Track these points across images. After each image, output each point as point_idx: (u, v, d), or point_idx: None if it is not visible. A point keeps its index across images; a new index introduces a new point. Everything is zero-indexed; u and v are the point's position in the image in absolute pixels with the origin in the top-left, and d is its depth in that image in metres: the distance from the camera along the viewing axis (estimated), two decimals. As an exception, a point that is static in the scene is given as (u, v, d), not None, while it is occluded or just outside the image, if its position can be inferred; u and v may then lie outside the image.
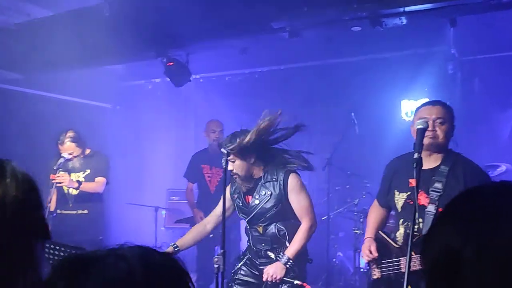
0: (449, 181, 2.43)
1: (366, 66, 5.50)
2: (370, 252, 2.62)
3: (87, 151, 4.33)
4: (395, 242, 2.62)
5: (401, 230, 2.61)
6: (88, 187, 4.21)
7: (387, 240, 2.63)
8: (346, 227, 5.22)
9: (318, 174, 5.32)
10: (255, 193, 2.89)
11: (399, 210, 2.62)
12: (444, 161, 2.49)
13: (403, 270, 2.47)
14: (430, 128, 2.37)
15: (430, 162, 2.47)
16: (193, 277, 4.55)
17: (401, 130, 5.05)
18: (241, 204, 2.97)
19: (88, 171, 4.26)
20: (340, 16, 3.63)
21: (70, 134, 4.18)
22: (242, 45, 4.31)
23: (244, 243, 4.48)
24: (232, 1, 3.77)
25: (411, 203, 2.48)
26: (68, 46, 4.48)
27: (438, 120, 2.45)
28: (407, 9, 3.51)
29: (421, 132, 2.11)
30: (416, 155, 2.03)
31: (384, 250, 2.62)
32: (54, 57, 4.71)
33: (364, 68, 5.49)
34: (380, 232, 2.72)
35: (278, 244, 2.86)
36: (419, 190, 2.30)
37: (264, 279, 2.81)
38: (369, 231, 2.78)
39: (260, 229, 2.88)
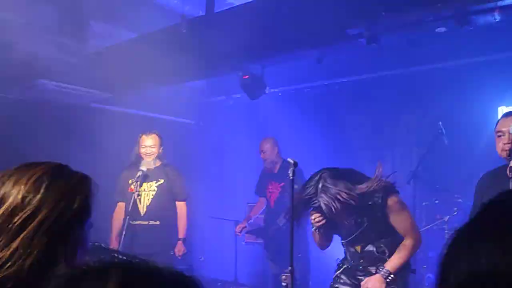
0: None
1: (456, 71, 5.07)
2: None
3: (162, 161, 4.38)
4: None
5: None
6: (183, 228, 4.34)
7: None
8: (436, 246, 4.79)
9: (402, 188, 4.98)
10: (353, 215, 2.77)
11: None
12: None
13: None
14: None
15: None
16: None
17: (498, 139, 4.56)
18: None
19: (162, 180, 4.26)
20: (422, 17, 3.37)
21: (155, 131, 4.33)
22: (317, 54, 4.19)
23: (313, 259, 4.43)
24: (304, 9, 3.68)
25: None
26: (151, 65, 4.70)
27: None
28: (501, 3, 3.16)
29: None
30: (512, 163, 1.76)
31: None
32: (139, 76, 4.97)
33: (454, 74, 5.07)
34: None
35: (379, 261, 2.75)
36: None
37: None
38: None
39: (358, 248, 2.80)
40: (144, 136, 4.24)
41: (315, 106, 6.31)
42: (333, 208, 2.52)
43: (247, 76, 4.44)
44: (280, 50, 4.11)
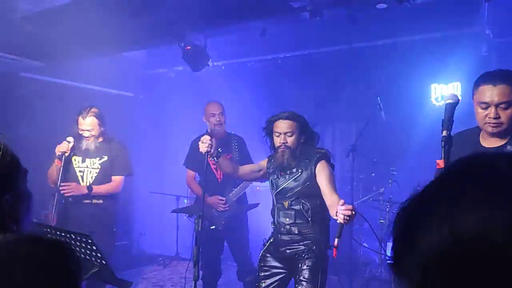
0: None
1: (393, 49, 5.25)
2: None
3: (104, 137, 4.14)
4: None
5: None
6: (103, 189, 3.96)
7: None
8: (371, 217, 5.00)
9: (341, 161, 5.15)
10: (287, 170, 3.02)
11: None
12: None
13: None
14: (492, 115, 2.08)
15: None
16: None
17: (431, 115, 4.79)
18: (275, 177, 3.08)
19: (105, 157, 4.03)
20: (364, -7, 3.42)
21: (94, 109, 3.92)
22: (261, 27, 4.15)
23: (253, 236, 4.29)
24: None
25: None
26: (86, 32, 4.43)
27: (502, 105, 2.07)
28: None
29: (450, 108, 1.91)
30: (444, 133, 1.84)
31: None
32: (73, 44, 4.68)
33: (391, 52, 5.25)
34: None
35: (302, 220, 2.91)
36: None
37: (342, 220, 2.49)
38: None
39: (286, 204, 2.96)
40: (80, 119, 3.88)
41: (258, 80, 6.30)
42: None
43: (189, 47, 4.31)
44: (224, 20, 4.02)
